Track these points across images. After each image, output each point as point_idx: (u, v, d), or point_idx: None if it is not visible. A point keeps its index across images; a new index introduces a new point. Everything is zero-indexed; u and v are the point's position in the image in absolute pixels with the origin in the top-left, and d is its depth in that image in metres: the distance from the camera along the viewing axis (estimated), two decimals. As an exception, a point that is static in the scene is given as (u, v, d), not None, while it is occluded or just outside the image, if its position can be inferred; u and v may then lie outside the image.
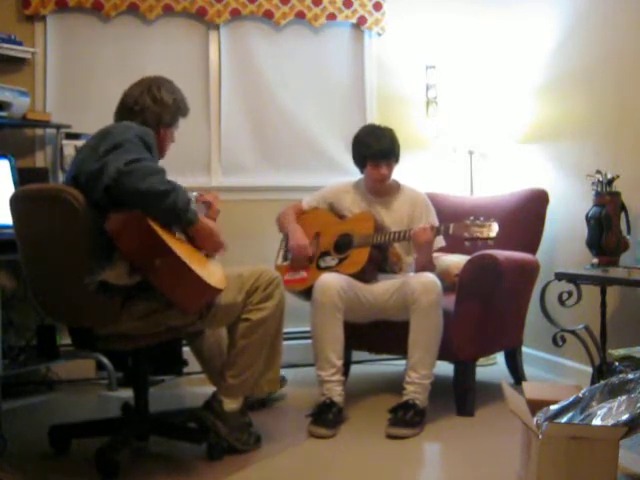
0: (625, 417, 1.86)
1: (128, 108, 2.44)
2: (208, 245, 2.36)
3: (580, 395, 2.05)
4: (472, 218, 2.75)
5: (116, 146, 2.12)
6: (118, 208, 2.15)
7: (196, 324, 2.40)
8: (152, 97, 2.44)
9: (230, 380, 2.48)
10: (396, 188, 3.19)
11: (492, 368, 3.76)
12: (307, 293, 2.97)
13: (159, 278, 2.18)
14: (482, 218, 2.73)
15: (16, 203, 2.38)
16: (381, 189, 3.16)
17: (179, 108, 2.53)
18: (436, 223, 3.01)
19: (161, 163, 2.30)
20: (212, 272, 2.29)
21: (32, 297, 2.48)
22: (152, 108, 2.44)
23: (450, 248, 3.16)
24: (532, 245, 3.34)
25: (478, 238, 2.72)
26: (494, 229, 2.70)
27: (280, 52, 3.97)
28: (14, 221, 2.38)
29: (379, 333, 3.09)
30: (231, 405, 2.48)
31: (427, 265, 2.97)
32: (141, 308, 2.26)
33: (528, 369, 3.44)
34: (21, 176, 3.17)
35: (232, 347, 2.50)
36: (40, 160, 3.61)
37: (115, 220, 2.15)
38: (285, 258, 3.24)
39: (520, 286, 3.21)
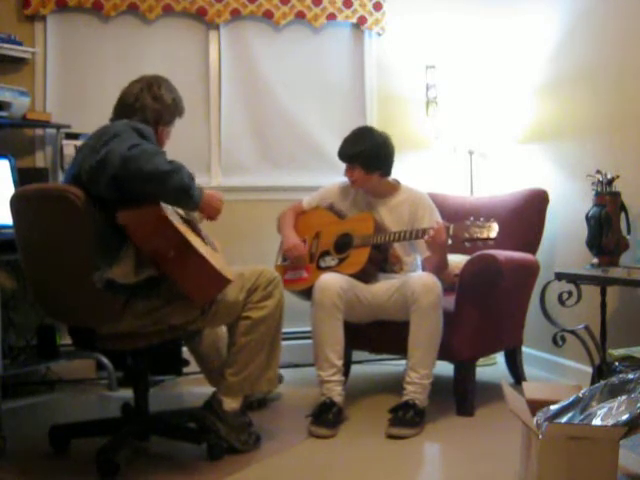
0: (625, 417, 1.86)
1: (128, 105, 2.43)
2: (210, 208, 2.39)
3: (580, 395, 2.05)
4: (472, 219, 2.74)
5: (114, 136, 2.13)
6: (125, 202, 2.15)
7: (198, 322, 2.40)
8: (153, 95, 2.45)
9: (230, 378, 2.49)
10: (396, 188, 3.18)
11: (492, 368, 3.76)
12: (307, 293, 2.97)
13: (173, 269, 2.20)
14: (482, 219, 2.73)
15: (17, 203, 2.37)
16: (376, 190, 3.14)
17: (177, 108, 2.54)
18: (441, 221, 2.98)
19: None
20: (221, 264, 2.31)
21: (33, 297, 2.48)
22: (152, 106, 2.44)
23: (450, 248, 3.16)
24: (532, 245, 3.33)
25: (478, 239, 2.71)
26: (494, 230, 2.69)
27: (280, 52, 3.97)
28: (15, 221, 2.38)
29: (379, 333, 3.09)
30: (231, 404, 2.48)
31: (442, 264, 2.94)
32: (142, 306, 2.27)
33: (528, 369, 3.44)
34: (21, 176, 3.17)
35: (232, 345, 2.50)
36: (40, 160, 3.61)
37: (128, 214, 2.16)
38: (285, 258, 3.24)
39: (520, 286, 3.21)
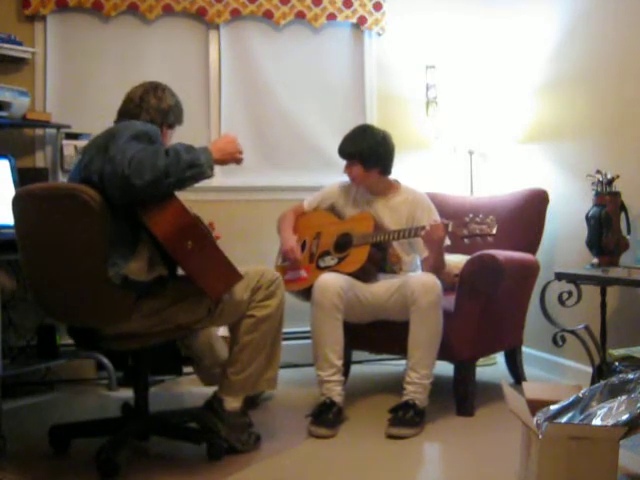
0: (625, 417, 1.86)
1: (134, 105, 2.47)
2: (228, 155, 2.39)
3: (580, 395, 2.05)
4: (471, 215, 2.75)
5: (117, 150, 2.14)
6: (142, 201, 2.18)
7: (204, 321, 2.41)
8: (157, 97, 2.50)
9: (232, 377, 2.49)
10: (396, 187, 3.19)
11: (492, 368, 3.76)
12: (306, 293, 2.98)
13: (191, 261, 2.22)
14: (481, 215, 2.73)
15: (21, 202, 2.36)
16: (375, 188, 3.15)
17: (179, 111, 2.58)
18: (439, 219, 2.98)
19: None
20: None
21: (34, 298, 2.48)
22: (157, 106, 2.49)
23: (450, 248, 3.16)
24: (532, 245, 3.33)
25: (477, 235, 2.71)
26: (493, 226, 2.70)
27: (280, 52, 3.97)
28: (17, 220, 2.37)
29: (379, 333, 3.08)
30: (232, 404, 2.48)
31: (439, 263, 2.95)
32: (150, 306, 2.28)
33: (528, 369, 3.44)
34: (21, 176, 3.17)
35: (235, 343, 2.51)
36: (40, 160, 3.61)
37: (149, 211, 2.17)
38: (285, 259, 3.25)
39: (520, 286, 3.21)
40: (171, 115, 2.52)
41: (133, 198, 2.15)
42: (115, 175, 2.10)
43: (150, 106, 2.47)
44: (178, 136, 2.65)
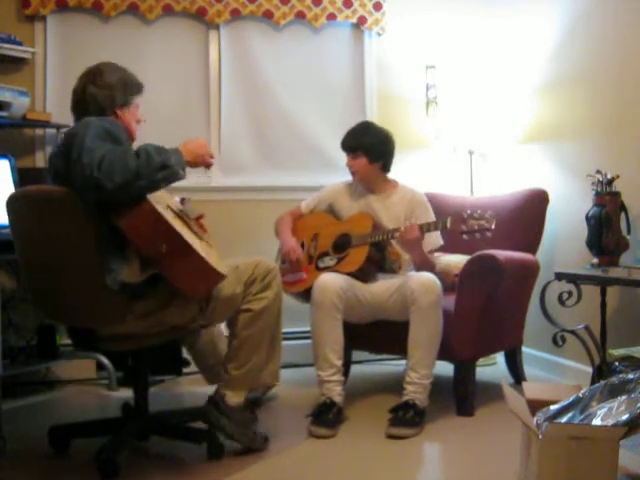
0: (625, 417, 1.86)
1: (81, 101, 2.40)
2: (199, 158, 2.32)
3: (580, 395, 2.05)
4: (469, 211, 2.75)
5: (82, 152, 2.09)
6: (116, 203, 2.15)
7: (198, 320, 2.40)
8: (95, 84, 2.40)
9: (233, 372, 2.48)
10: (394, 186, 3.20)
11: (492, 368, 3.76)
12: (306, 295, 2.98)
13: (167, 265, 2.19)
14: (479, 211, 2.74)
15: (16, 204, 2.35)
16: (375, 184, 3.16)
17: (127, 85, 2.46)
18: (414, 222, 2.96)
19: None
20: (215, 259, 2.30)
21: (32, 299, 2.48)
22: (101, 94, 2.39)
23: (450, 248, 3.16)
24: (532, 245, 3.34)
25: (476, 230, 2.71)
26: (492, 220, 2.70)
27: (280, 52, 3.97)
28: (13, 223, 2.36)
29: (379, 333, 3.08)
30: (234, 399, 2.47)
31: (424, 264, 2.96)
32: (143, 307, 2.26)
33: (528, 369, 3.44)
34: (21, 176, 3.17)
35: (234, 339, 2.50)
36: (40, 160, 3.61)
37: (121, 213, 2.15)
38: (284, 261, 3.25)
39: (520, 286, 3.21)
40: (118, 96, 2.41)
41: (104, 200, 2.11)
42: (84, 177, 2.06)
43: (94, 96, 2.37)
44: (179, 137, 2.63)
